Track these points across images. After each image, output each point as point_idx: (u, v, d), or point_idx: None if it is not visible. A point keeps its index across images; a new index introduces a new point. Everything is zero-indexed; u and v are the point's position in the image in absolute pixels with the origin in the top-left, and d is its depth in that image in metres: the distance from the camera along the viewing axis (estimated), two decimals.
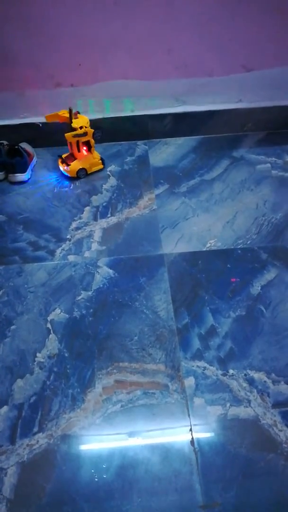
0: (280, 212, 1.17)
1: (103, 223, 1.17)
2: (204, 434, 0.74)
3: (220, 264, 1.04)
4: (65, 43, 1.25)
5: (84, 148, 1.31)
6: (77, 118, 1.26)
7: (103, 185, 1.30)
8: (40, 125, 1.41)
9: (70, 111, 1.21)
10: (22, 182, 1.33)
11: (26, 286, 1.01)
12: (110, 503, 0.67)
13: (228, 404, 0.77)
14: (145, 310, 0.94)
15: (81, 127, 1.24)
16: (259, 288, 0.97)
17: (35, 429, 0.76)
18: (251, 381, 0.81)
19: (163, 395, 0.79)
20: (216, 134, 1.47)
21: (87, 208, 1.22)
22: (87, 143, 1.31)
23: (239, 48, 1.29)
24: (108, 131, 1.42)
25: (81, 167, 1.31)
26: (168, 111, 1.42)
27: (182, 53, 1.29)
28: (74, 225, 1.17)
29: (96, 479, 0.69)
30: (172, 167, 1.36)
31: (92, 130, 1.26)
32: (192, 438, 0.73)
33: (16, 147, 1.29)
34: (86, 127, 1.25)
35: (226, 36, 1.26)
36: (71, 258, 1.07)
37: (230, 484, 0.68)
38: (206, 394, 0.79)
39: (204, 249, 1.08)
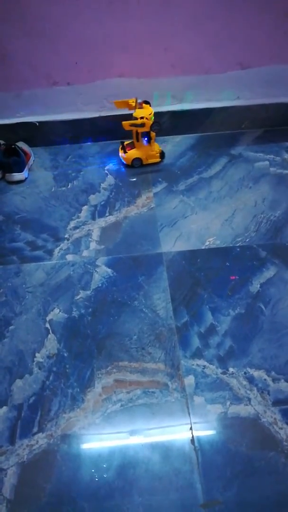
0: (278, 210, 1.17)
1: (101, 222, 1.17)
2: (204, 432, 0.74)
3: (219, 262, 1.03)
4: (62, 42, 1.24)
5: (145, 139, 1.31)
6: (141, 108, 1.26)
7: (101, 184, 1.30)
8: (37, 124, 1.40)
9: (136, 100, 1.24)
10: (19, 182, 1.33)
11: (24, 286, 1.01)
12: (111, 503, 0.66)
13: (228, 403, 0.77)
14: (144, 309, 0.94)
15: (141, 118, 1.24)
16: (258, 286, 0.97)
17: (35, 429, 0.75)
18: (251, 379, 0.80)
19: (163, 394, 0.79)
20: (214, 132, 1.47)
21: (85, 207, 1.22)
22: (148, 135, 1.31)
23: (235, 46, 1.29)
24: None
25: (137, 156, 1.33)
26: (165, 109, 1.42)
27: (179, 51, 1.29)
28: (72, 224, 1.17)
29: (96, 479, 0.69)
30: (170, 165, 1.36)
31: (151, 122, 1.25)
32: (193, 436, 0.73)
33: (13, 146, 1.29)
34: (146, 118, 1.24)
35: (222, 34, 1.26)
36: (69, 257, 1.07)
37: (231, 482, 0.68)
38: (206, 393, 0.79)
39: (203, 247, 1.07)
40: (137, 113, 1.25)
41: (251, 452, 0.71)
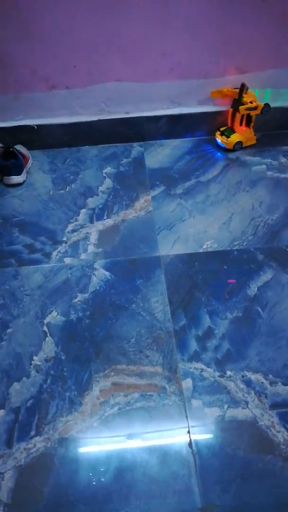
0: (276, 213, 1.17)
1: (99, 225, 1.17)
2: (202, 436, 0.74)
3: (217, 265, 1.04)
4: (60, 46, 1.25)
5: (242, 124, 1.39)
6: (246, 93, 1.34)
7: (99, 187, 1.30)
8: (35, 127, 1.41)
9: (242, 86, 1.32)
10: (17, 185, 1.33)
11: (22, 289, 1.00)
12: (108, 506, 0.66)
13: (225, 406, 0.77)
14: (142, 312, 0.94)
15: (251, 102, 1.33)
16: (256, 289, 0.98)
17: (32, 433, 0.75)
18: (248, 383, 0.81)
19: (161, 397, 0.79)
20: (212, 136, 1.47)
21: (83, 210, 1.22)
22: (248, 119, 1.38)
23: (233, 50, 1.29)
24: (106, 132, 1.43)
25: (239, 140, 1.40)
26: (163, 113, 1.42)
27: (177, 55, 1.29)
28: (70, 227, 1.17)
29: (94, 482, 0.69)
30: (168, 169, 1.36)
31: (262, 105, 1.34)
32: (190, 440, 0.73)
33: (11, 149, 1.29)
34: (254, 101, 1.34)
35: (220, 38, 1.26)
36: (67, 260, 1.07)
37: (229, 486, 0.68)
38: (203, 396, 0.79)
39: (201, 251, 1.08)
40: (247, 98, 1.33)
41: (248, 456, 0.71)
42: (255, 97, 1.35)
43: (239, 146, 1.41)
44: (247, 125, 1.40)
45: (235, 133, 1.40)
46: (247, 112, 1.35)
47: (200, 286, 0.99)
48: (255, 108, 1.34)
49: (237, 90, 1.34)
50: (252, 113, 1.36)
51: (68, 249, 1.10)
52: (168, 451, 0.72)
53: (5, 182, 1.32)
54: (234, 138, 1.39)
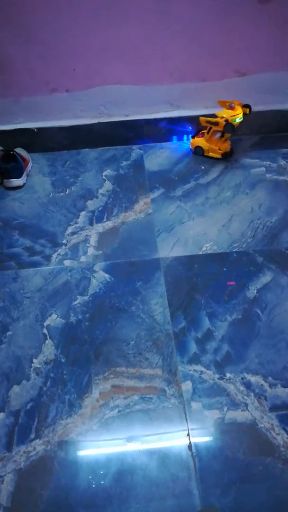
0: (275, 215, 1.17)
1: (99, 227, 1.17)
2: (201, 438, 0.74)
3: (216, 267, 1.04)
4: (61, 49, 1.25)
5: (218, 135, 1.39)
6: (232, 109, 1.32)
7: (99, 190, 1.30)
8: (36, 130, 1.41)
9: (231, 102, 1.32)
10: (17, 187, 1.33)
11: (22, 291, 1.01)
12: (108, 510, 0.66)
13: (225, 408, 0.77)
14: (141, 315, 0.94)
15: (222, 117, 1.32)
16: (255, 291, 0.98)
17: (32, 436, 0.75)
18: (248, 385, 0.81)
19: (160, 399, 0.79)
20: None
21: (82, 213, 1.22)
22: (222, 132, 1.38)
23: (232, 53, 1.30)
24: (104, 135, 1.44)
25: (199, 145, 1.42)
26: (162, 116, 1.43)
27: (176, 59, 1.30)
28: (70, 230, 1.17)
29: (93, 485, 0.69)
30: (167, 171, 1.37)
31: (224, 123, 1.32)
32: (190, 442, 0.73)
33: (12, 152, 1.29)
34: (226, 120, 1.31)
35: (219, 41, 1.27)
36: (67, 263, 1.07)
37: (228, 488, 0.68)
38: (203, 398, 0.79)
39: (200, 253, 1.08)
40: (220, 113, 1.33)
41: (248, 458, 0.71)
42: (240, 115, 1.31)
43: (199, 151, 1.42)
44: (220, 138, 1.39)
45: (200, 138, 1.41)
46: (207, 125, 1.37)
47: (200, 288, 0.99)
48: (216, 123, 1.34)
49: (241, 104, 1.33)
50: (214, 127, 1.36)
51: (68, 252, 1.10)
52: (167, 454, 0.72)
53: (5, 185, 1.33)
54: (195, 141, 1.42)
